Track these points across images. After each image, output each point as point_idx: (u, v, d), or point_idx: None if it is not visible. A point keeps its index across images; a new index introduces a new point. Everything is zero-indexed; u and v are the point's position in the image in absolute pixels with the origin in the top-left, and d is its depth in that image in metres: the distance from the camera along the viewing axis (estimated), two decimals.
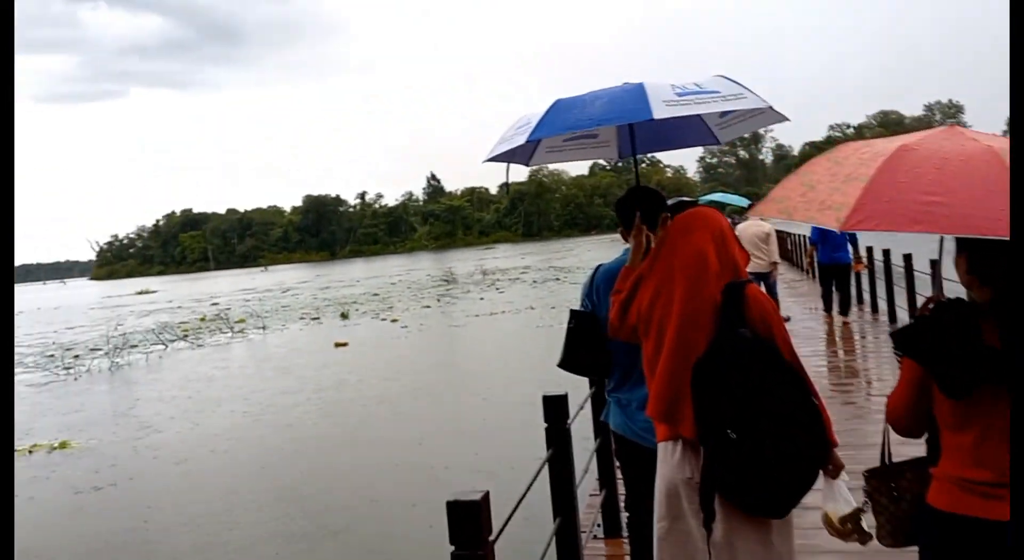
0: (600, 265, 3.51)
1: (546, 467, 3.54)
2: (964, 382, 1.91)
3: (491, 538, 2.33)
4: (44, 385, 17.68)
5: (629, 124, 3.48)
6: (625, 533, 4.38)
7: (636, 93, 2.92)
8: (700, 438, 2.49)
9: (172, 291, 66.73)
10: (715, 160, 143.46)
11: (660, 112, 2.83)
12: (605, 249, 63.28)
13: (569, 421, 3.79)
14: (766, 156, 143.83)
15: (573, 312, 3.46)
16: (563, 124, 3.01)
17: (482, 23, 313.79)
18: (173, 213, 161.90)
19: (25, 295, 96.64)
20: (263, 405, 13.18)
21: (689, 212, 2.78)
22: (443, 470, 8.67)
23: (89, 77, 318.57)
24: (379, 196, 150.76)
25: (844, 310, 11.47)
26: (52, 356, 23.18)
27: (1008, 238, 1.71)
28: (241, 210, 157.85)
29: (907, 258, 10.69)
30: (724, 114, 3.62)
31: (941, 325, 1.95)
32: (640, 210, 3.07)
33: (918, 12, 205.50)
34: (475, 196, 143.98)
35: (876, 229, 1.94)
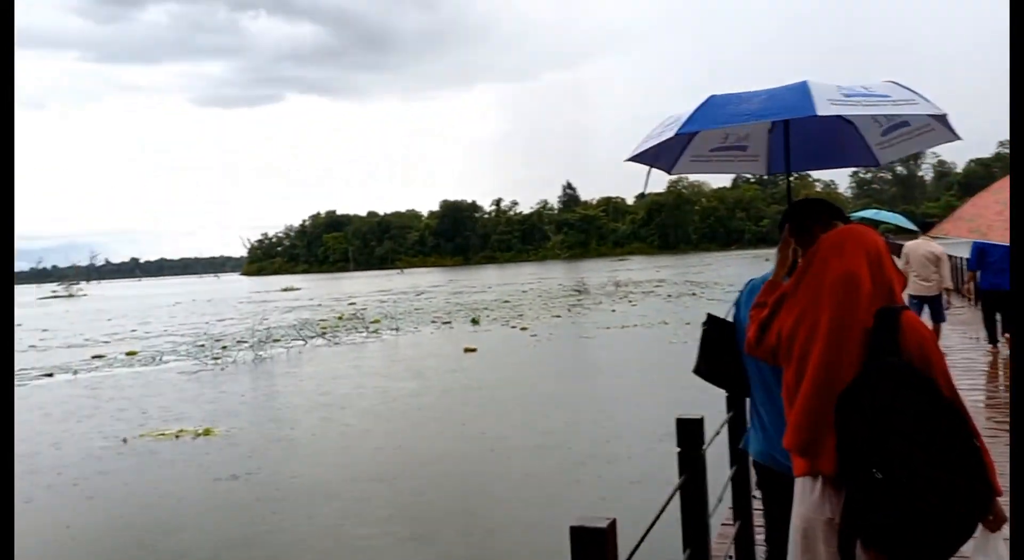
0: (752, 279, 3.33)
1: (677, 494, 3.34)
2: None
3: None
4: (194, 373, 18.72)
5: (784, 138, 3.27)
6: None
7: (799, 89, 2.74)
8: (841, 476, 2.29)
9: (314, 289, 69.69)
10: (869, 176, 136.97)
11: (824, 109, 2.66)
12: (747, 265, 61.60)
13: (704, 446, 3.58)
14: (926, 173, 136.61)
15: (710, 316, 3.30)
16: (716, 119, 2.84)
17: (627, 29, 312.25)
18: (318, 214, 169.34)
19: (183, 287, 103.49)
20: (393, 405, 13.44)
21: (841, 229, 2.55)
22: (566, 486, 8.51)
23: (247, 82, 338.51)
24: (514, 203, 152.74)
25: (996, 340, 10.53)
26: (202, 346, 24.59)
27: None
28: (381, 213, 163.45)
29: None
30: (887, 132, 3.37)
31: None
32: (791, 222, 2.85)
33: None
34: (611, 206, 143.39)
35: None
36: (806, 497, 2.45)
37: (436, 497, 8.46)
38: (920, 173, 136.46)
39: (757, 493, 5.51)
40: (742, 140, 3.74)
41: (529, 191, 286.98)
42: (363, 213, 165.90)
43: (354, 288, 66.42)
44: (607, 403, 12.83)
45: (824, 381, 2.36)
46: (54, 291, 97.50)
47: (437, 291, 52.94)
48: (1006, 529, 2.21)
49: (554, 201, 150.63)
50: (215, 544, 7.34)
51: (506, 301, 38.14)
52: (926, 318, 9.64)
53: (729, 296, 29.91)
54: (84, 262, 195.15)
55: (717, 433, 4.22)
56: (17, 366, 21.82)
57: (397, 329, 26.91)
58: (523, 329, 24.85)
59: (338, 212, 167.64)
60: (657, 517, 2.83)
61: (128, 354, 23.51)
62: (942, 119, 3.02)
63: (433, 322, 29.23)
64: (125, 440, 11.70)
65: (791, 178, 3.49)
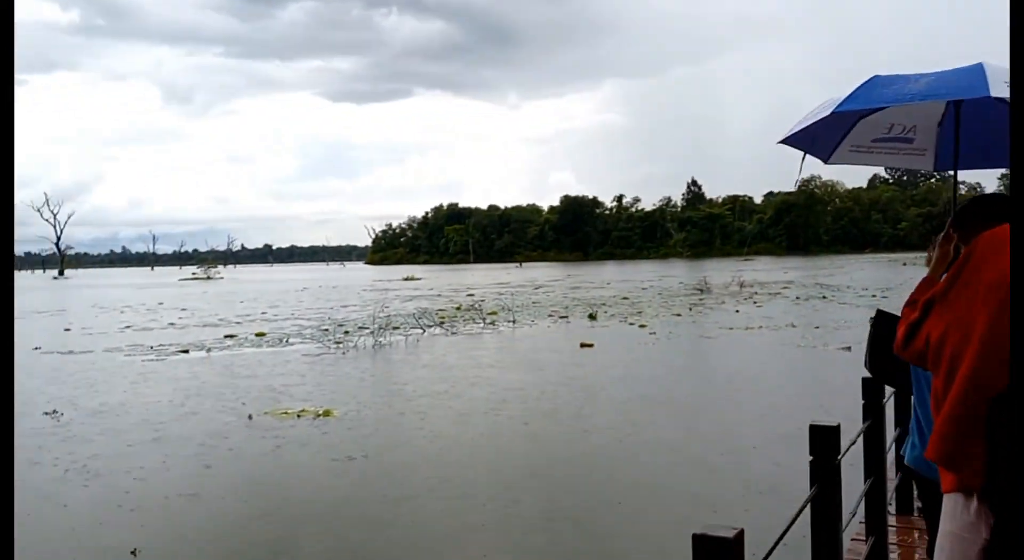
0: None
1: (808, 506, 3.12)
2: None
3: None
4: (317, 356, 19.33)
5: (954, 131, 2.98)
6: None
7: (974, 71, 2.47)
8: (989, 492, 2.07)
9: (434, 280, 71.06)
10: None
11: (999, 90, 2.36)
12: (882, 269, 58.86)
13: (840, 456, 3.33)
14: None
15: (879, 312, 3.14)
16: (878, 98, 2.58)
17: (763, 20, 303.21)
18: (440, 207, 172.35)
19: (311, 273, 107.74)
20: (508, 396, 13.42)
21: (1002, 228, 2.24)
22: (684, 490, 8.23)
23: (377, 77, 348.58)
24: (636, 200, 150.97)
25: None
26: (327, 330, 25.40)
27: None
28: (502, 207, 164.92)
29: None
30: None
31: None
32: (956, 217, 2.66)
33: None
34: (737, 205, 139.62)
35: None
36: (957, 516, 2.20)
37: (549, 492, 8.33)
38: None
39: (892, 508, 5.15)
40: (908, 132, 3.41)
41: (652, 188, 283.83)
42: (484, 206, 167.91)
43: (473, 280, 67.29)
44: (730, 406, 12.38)
45: (975, 391, 2.12)
46: (194, 273, 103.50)
47: (555, 285, 52.93)
48: None
49: (678, 198, 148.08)
50: (329, 521, 7.46)
51: (625, 298, 37.69)
52: None
53: (862, 300, 28.71)
54: (222, 247, 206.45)
55: (853, 442, 3.93)
56: (156, 342, 23.18)
57: (514, 321, 27.00)
58: (642, 326, 24.45)
59: (460, 205, 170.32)
60: (787, 529, 2.61)
61: (257, 335, 24.54)
62: None
63: (550, 316, 29.18)
64: (251, 417, 12.14)
65: (932, 179, 3.19)
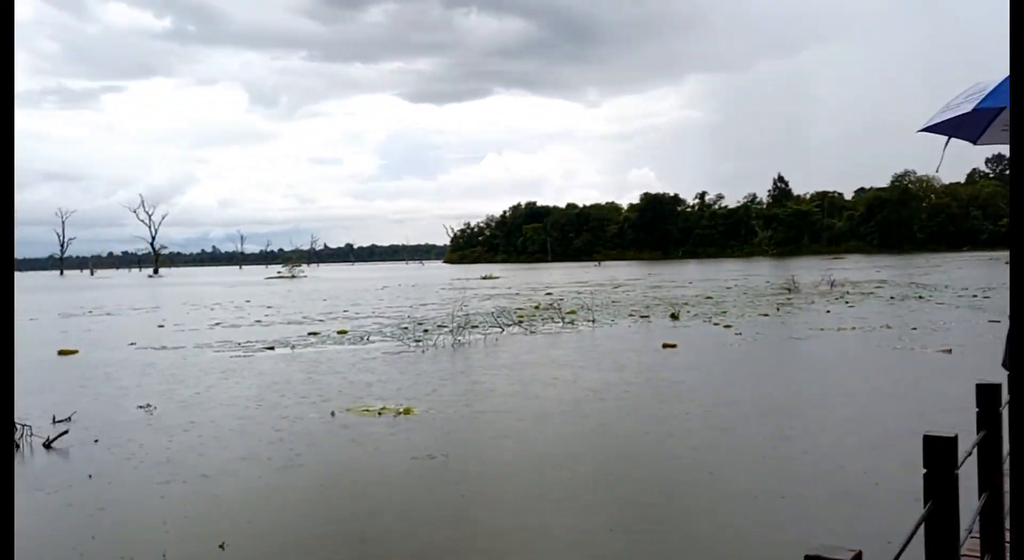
0: None
1: (923, 523, 2.85)
2: None
3: None
4: (397, 354, 19.47)
5: None
6: None
7: None
8: None
9: (512, 278, 71.10)
10: None
11: None
12: (983, 268, 56.16)
13: (957, 468, 3.05)
14: None
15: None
16: None
17: (856, 13, 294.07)
18: (519, 205, 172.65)
19: (391, 272, 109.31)
20: (590, 396, 13.22)
21: None
22: (778, 501, 7.89)
23: (457, 77, 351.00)
24: (719, 197, 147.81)
25: None
26: (406, 329, 25.60)
27: None
28: (580, 205, 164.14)
29: None
30: None
31: None
32: None
33: None
34: (826, 201, 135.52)
35: None
36: None
37: (635, 499, 8.10)
38: None
39: (1007, 523, 4.77)
40: None
41: (736, 185, 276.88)
42: (562, 205, 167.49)
43: (551, 278, 67.10)
44: (825, 412, 11.78)
45: None
46: (279, 272, 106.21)
47: (635, 284, 52.30)
48: None
49: (763, 195, 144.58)
50: (411, 518, 7.41)
51: (708, 297, 36.94)
52: None
53: (962, 301, 27.48)
54: (305, 246, 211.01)
55: (968, 454, 3.62)
56: (243, 339, 23.76)
57: (593, 321, 26.71)
58: (727, 326, 23.86)
59: (538, 204, 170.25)
60: (902, 549, 2.37)
61: (339, 333, 24.91)
62: None
63: (630, 315, 28.78)
64: (333, 413, 12.26)
65: None
